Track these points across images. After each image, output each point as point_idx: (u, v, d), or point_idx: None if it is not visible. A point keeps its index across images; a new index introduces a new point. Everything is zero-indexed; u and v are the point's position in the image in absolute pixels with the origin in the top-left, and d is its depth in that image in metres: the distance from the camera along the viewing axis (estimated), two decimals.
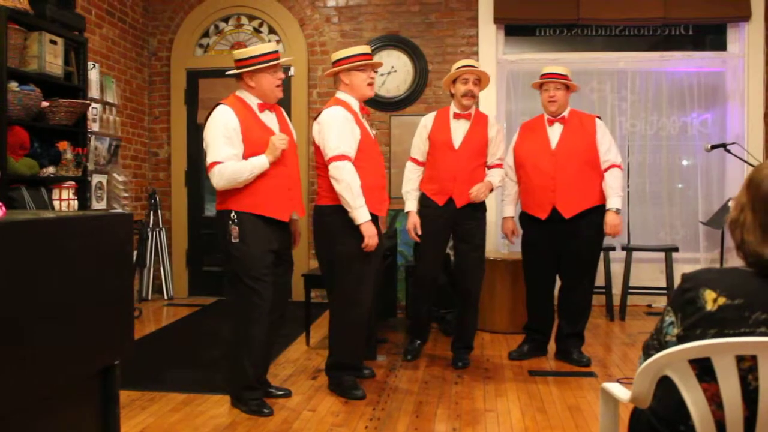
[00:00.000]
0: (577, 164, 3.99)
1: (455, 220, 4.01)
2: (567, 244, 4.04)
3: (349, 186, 3.30)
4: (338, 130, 3.35)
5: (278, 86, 3.30)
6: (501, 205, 4.34)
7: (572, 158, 4.00)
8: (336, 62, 3.52)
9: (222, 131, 3.16)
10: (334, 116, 3.39)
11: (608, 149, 4.04)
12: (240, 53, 3.27)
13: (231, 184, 3.17)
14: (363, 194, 3.34)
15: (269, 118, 3.34)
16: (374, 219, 3.46)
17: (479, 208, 4.06)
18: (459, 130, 4.02)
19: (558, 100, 4.02)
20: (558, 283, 4.25)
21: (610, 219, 3.98)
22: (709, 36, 6.18)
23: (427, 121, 4.14)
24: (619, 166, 4.05)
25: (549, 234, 4.05)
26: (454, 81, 4.04)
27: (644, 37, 6.21)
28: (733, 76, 6.03)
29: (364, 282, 3.47)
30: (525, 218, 4.20)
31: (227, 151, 3.14)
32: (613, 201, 3.98)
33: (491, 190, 4.03)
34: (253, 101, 3.29)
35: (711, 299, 1.51)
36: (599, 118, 4.17)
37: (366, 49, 3.57)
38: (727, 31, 6.10)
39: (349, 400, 3.49)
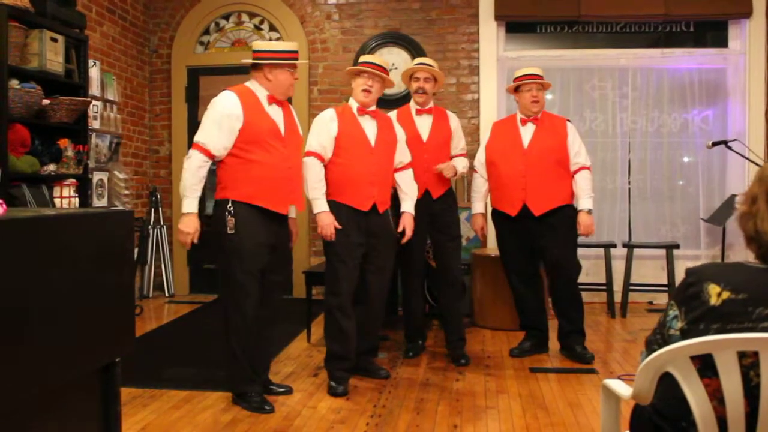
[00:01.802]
0: (548, 164, 4.08)
1: (432, 213, 4.10)
2: (540, 240, 4.12)
3: (305, 179, 3.56)
4: (314, 129, 3.64)
5: (292, 86, 3.41)
6: (472, 201, 4.41)
7: (543, 158, 4.09)
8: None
9: (216, 115, 3.24)
10: (317, 117, 3.70)
11: (578, 152, 4.14)
12: (263, 45, 3.41)
13: (183, 173, 3.27)
14: (343, 188, 3.58)
15: (275, 112, 3.38)
16: (362, 213, 3.60)
17: (454, 200, 4.20)
18: (424, 124, 4.15)
19: (540, 101, 4.14)
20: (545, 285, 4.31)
21: (583, 219, 4.08)
22: (710, 33, 6.17)
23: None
24: (588, 168, 4.16)
25: (521, 230, 4.15)
26: (411, 77, 4.18)
27: (645, 34, 6.20)
28: (735, 73, 6.02)
29: (340, 271, 3.57)
30: (496, 215, 4.28)
31: (211, 138, 3.22)
32: (585, 202, 4.10)
33: (455, 174, 4.12)
34: (262, 93, 3.36)
35: (715, 293, 1.51)
36: (569, 121, 4.27)
37: (369, 58, 3.78)
38: (728, 28, 6.09)
39: (335, 396, 3.51)
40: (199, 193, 3.23)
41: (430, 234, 4.18)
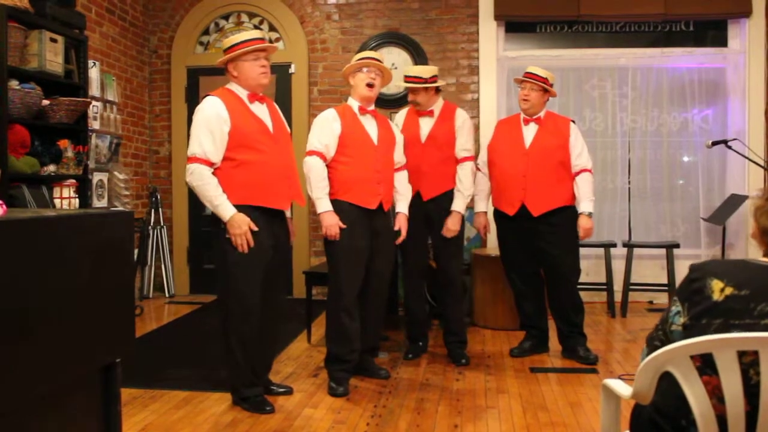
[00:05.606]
0: (548, 164, 4.06)
1: (427, 213, 4.07)
2: (539, 242, 4.10)
3: (308, 178, 3.56)
4: (316, 129, 3.63)
5: (262, 73, 3.28)
6: (474, 200, 4.34)
7: (544, 158, 4.06)
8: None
9: (205, 123, 3.15)
10: (318, 117, 3.68)
11: (580, 153, 4.11)
12: (224, 43, 3.33)
13: (195, 191, 3.18)
14: (349, 186, 3.54)
15: (260, 110, 3.33)
16: (368, 212, 3.59)
17: (449, 200, 4.08)
18: (425, 124, 4.08)
19: (530, 101, 4.11)
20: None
21: (583, 223, 4.06)
22: (709, 32, 6.17)
23: (398, 119, 4.20)
24: (589, 171, 4.13)
25: (521, 230, 4.13)
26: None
27: (645, 34, 6.20)
28: (734, 72, 6.02)
29: (345, 272, 3.56)
30: (496, 214, 4.28)
31: (207, 146, 3.13)
32: (585, 205, 4.07)
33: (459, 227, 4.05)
34: (243, 93, 3.30)
35: (718, 289, 1.52)
36: (573, 122, 4.24)
37: (367, 54, 3.76)
38: (727, 27, 6.09)
39: (335, 397, 3.51)
40: (221, 192, 3.13)
41: (430, 235, 4.16)
